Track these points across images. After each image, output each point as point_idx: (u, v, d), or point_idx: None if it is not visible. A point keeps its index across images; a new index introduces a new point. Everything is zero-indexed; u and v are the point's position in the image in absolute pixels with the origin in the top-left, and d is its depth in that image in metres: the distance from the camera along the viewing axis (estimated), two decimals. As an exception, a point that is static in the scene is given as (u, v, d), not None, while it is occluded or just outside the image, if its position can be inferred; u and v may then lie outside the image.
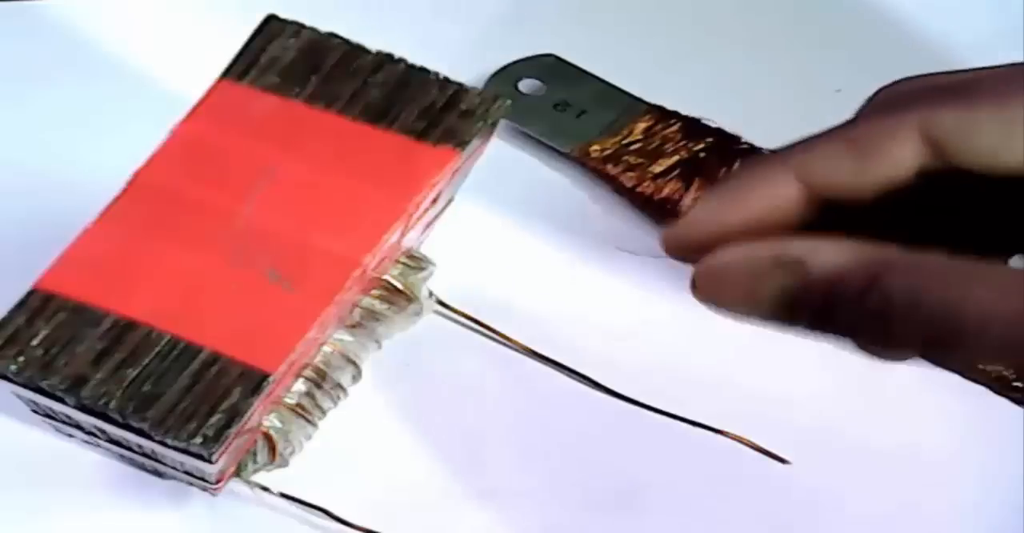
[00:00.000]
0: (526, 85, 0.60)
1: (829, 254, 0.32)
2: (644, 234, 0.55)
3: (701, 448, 0.50)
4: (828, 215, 0.35)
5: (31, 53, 0.60)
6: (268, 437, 0.45)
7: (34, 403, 0.43)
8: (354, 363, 0.47)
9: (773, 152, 0.35)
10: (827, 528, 0.49)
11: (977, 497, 0.49)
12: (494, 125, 0.45)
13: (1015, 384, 0.51)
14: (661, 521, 0.49)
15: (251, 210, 0.42)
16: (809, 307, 0.33)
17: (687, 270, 0.38)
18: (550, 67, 0.60)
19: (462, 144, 0.44)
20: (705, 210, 0.36)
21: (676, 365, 0.51)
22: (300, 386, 0.45)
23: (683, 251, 0.36)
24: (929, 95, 0.34)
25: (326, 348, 0.46)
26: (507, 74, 0.60)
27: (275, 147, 0.43)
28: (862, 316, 0.32)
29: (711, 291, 0.35)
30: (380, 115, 0.44)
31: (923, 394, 0.51)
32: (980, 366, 0.40)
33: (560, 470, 0.49)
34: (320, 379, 0.46)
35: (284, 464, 0.46)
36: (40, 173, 0.54)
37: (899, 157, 0.33)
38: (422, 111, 0.44)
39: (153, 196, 0.43)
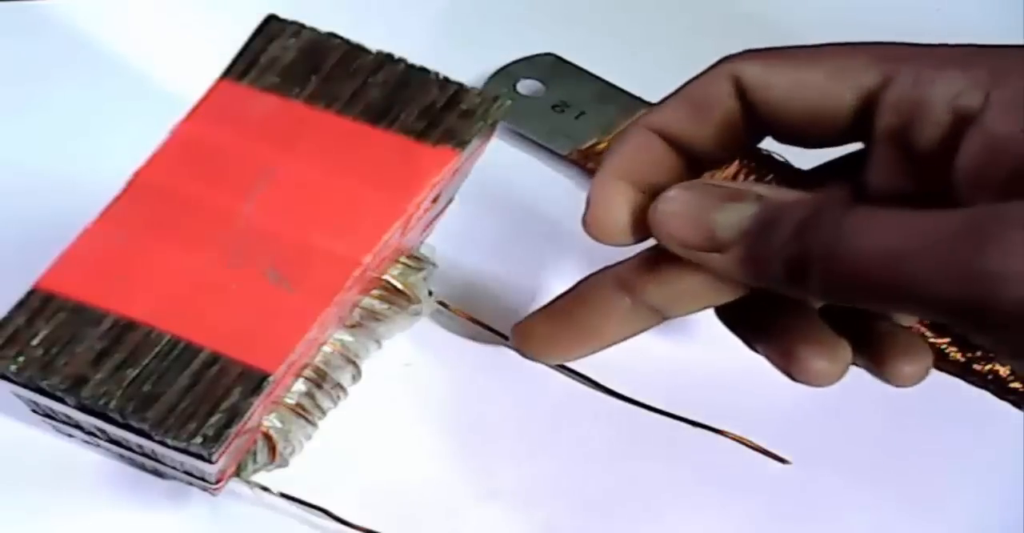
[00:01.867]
0: (525, 87, 0.60)
1: (781, 193, 0.38)
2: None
3: (701, 448, 0.50)
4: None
5: (31, 53, 0.59)
6: (268, 437, 0.45)
7: (34, 403, 0.43)
8: (354, 363, 0.47)
9: (629, 122, 0.44)
10: (827, 528, 0.49)
11: (977, 497, 0.49)
12: (494, 125, 0.45)
13: (1012, 385, 0.51)
14: (661, 521, 0.49)
15: (251, 210, 0.42)
16: (751, 227, 0.37)
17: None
18: (550, 67, 0.60)
19: (462, 144, 0.44)
20: (600, 187, 0.42)
21: (676, 365, 0.51)
22: (300, 386, 0.45)
23: (608, 233, 0.42)
24: (742, 55, 0.40)
25: (326, 348, 0.46)
26: (507, 74, 0.60)
27: (275, 147, 0.43)
28: (792, 238, 0.35)
29: (665, 223, 0.39)
30: (380, 115, 0.44)
31: (923, 394, 0.51)
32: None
33: (560, 470, 0.49)
34: (320, 379, 0.46)
35: (284, 464, 0.46)
36: (40, 173, 0.54)
37: (719, 99, 0.40)
38: (422, 111, 0.44)
39: (153, 196, 0.43)
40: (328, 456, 0.48)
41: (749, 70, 0.39)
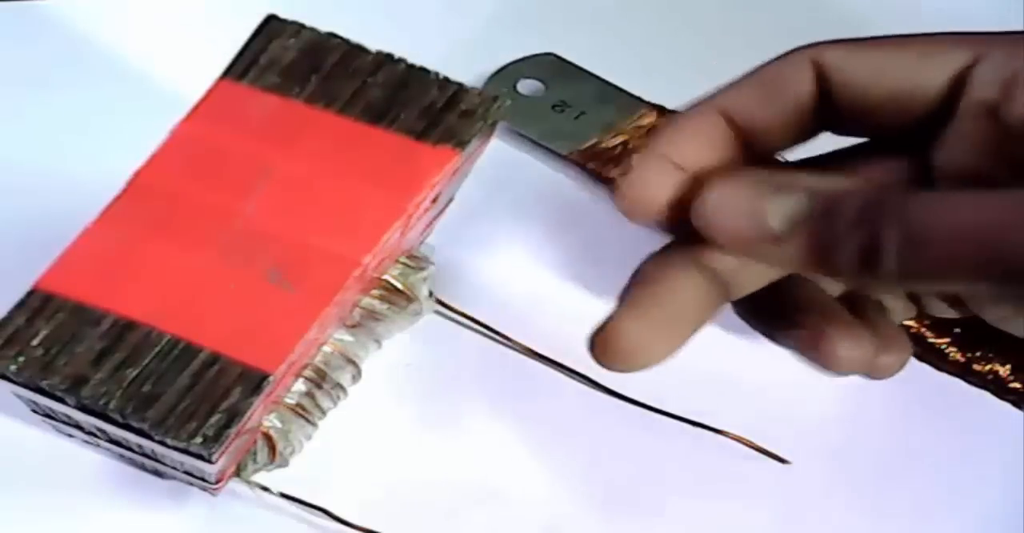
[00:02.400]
0: (525, 87, 0.60)
1: (832, 181, 0.36)
2: (644, 234, 0.54)
3: (701, 448, 0.50)
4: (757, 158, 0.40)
5: (31, 53, 0.60)
6: (268, 437, 0.45)
7: (34, 403, 0.43)
8: (354, 363, 0.47)
9: (701, 98, 0.40)
10: (827, 528, 0.49)
11: (977, 497, 0.49)
12: (494, 125, 0.45)
13: (1012, 385, 0.51)
14: (661, 521, 0.49)
15: (251, 210, 0.42)
16: (811, 218, 0.35)
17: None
18: (550, 67, 0.60)
19: (462, 144, 0.44)
20: (644, 163, 0.39)
21: (676, 365, 0.51)
22: (300, 386, 0.45)
23: (642, 211, 0.39)
24: (821, 43, 0.39)
25: (326, 348, 0.46)
26: (507, 74, 0.60)
27: (275, 147, 0.43)
28: (857, 226, 0.34)
29: (714, 216, 0.37)
30: (380, 115, 0.44)
31: (923, 394, 0.51)
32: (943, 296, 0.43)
33: (560, 470, 0.49)
34: (320, 379, 0.46)
35: (284, 464, 0.46)
36: (40, 173, 0.54)
37: (796, 83, 0.39)
38: (422, 111, 0.44)
39: (153, 196, 0.43)
40: (328, 456, 0.48)
41: (832, 54, 0.39)
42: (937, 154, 0.39)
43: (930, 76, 0.38)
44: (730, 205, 0.37)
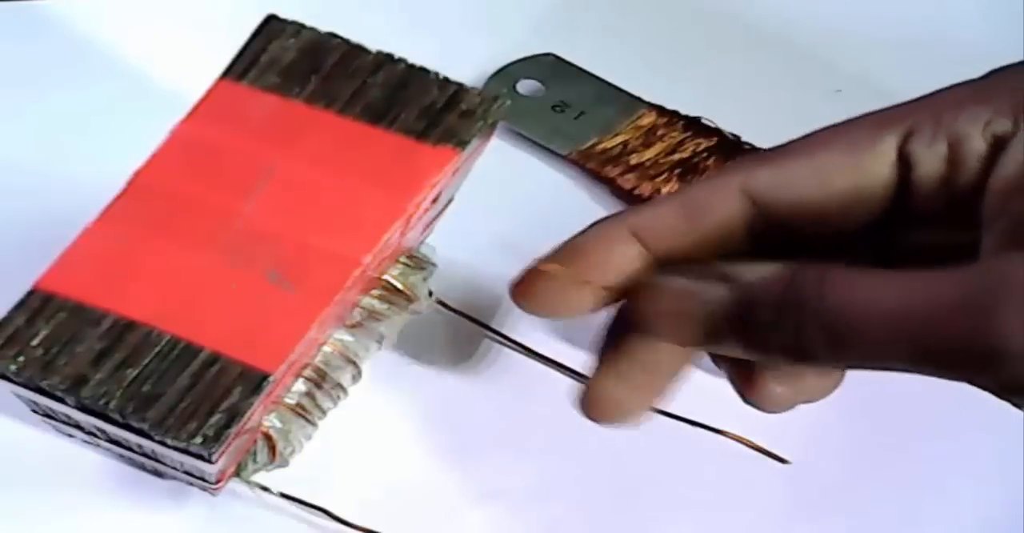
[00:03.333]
0: (525, 87, 0.60)
1: (753, 267, 0.36)
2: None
3: (701, 448, 0.50)
4: None
5: (31, 53, 0.60)
6: (268, 437, 0.45)
7: (34, 403, 0.43)
8: (354, 363, 0.47)
9: (612, 215, 0.40)
10: (827, 528, 0.49)
11: (977, 497, 0.49)
12: (494, 125, 0.45)
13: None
14: (661, 521, 0.49)
15: (251, 210, 0.42)
16: (735, 316, 0.35)
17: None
18: (549, 67, 0.60)
19: (462, 144, 0.44)
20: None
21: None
22: (300, 386, 0.45)
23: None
24: (749, 160, 0.38)
25: (326, 348, 0.46)
26: (506, 74, 0.60)
27: (275, 147, 0.43)
28: (779, 318, 0.34)
29: (647, 314, 0.38)
30: (380, 115, 0.44)
31: (923, 394, 0.51)
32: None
33: (559, 470, 0.49)
34: (320, 379, 0.46)
35: (284, 464, 0.46)
36: (40, 173, 0.54)
37: (724, 214, 0.38)
38: (422, 111, 0.44)
39: (153, 196, 0.43)
40: (328, 456, 0.48)
41: (761, 178, 0.37)
42: (896, 233, 0.38)
43: (871, 171, 0.37)
44: (665, 313, 0.37)
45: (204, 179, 0.43)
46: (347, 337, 0.47)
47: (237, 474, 0.46)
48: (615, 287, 0.39)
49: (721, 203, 0.38)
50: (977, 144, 0.35)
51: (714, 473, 0.49)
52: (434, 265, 0.49)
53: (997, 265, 0.32)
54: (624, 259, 0.39)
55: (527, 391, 0.51)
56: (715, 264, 0.37)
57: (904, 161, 0.36)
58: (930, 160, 0.36)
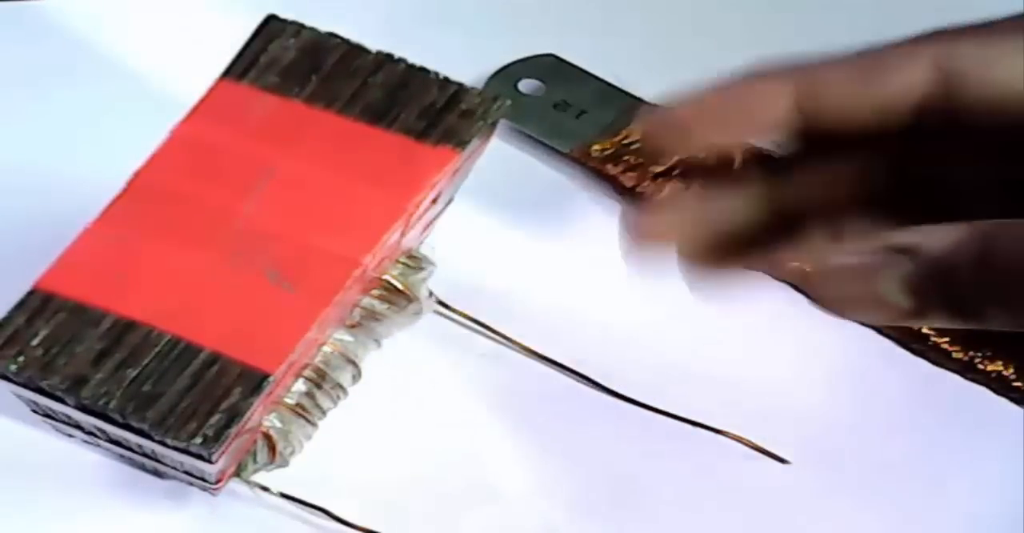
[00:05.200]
0: (526, 85, 0.60)
1: (937, 233, 0.32)
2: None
3: (701, 448, 0.50)
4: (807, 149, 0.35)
5: (30, 53, 0.59)
6: (268, 437, 0.45)
7: (34, 403, 0.43)
8: (354, 363, 0.47)
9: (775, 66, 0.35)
10: (827, 528, 0.49)
11: (977, 497, 0.49)
12: (494, 125, 0.45)
13: (1015, 384, 0.51)
14: (661, 521, 0.48)
15: (251, 210, 0.42)
16: (932, 288, 0.32)
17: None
18: (550, 67, 0.60)
19: (462, 144, 0.44)
20: (690, 108, 0.36)
21: (676, 365, 0.51)
22: (300, 386, 0.45)
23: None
24: (948, 32, 0.34)
25: (326, 348, 0.46)
26: (507, 74, 0.60)
27: (275, 147, 0.43)
28: (981, 285, 0.31)
29: (832, 301, 0.34)
30: (380, 115, 0.44)
31: (923, 394, 0.51)
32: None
33: (560, 470, 0.49)
34: (320, 379, 0.46)
35: (284, 464, 0.46)
36: (40, 173, 0.54)
37: (905, 82, 0.33)
38: (422, 111, 0.44)
39: (153, 196, 0.43)
40: (328, 456, 0.48)
41: (964, 57, 0.33)
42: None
43: None
44: (843, 286, 0.33)
45: (204, 179, 0.43)
46: (347, 337, 0.47)
47: (237, 474, 0.46)
48: (739, 145, 0.35)
49: (908, 72, 0.33)
50: None
51: (714, 473, 0.49)
52: (434, 265, 0.49)
53: None
54: (773, 109, 0.35)
55: (527, 391, 0.51)
56: (874, 237, 0.33)
57: None
58: None
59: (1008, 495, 0.49)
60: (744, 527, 0.49)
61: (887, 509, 0.49)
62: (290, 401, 0.45)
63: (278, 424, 0.45)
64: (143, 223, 0.42)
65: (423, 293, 0.49)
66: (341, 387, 0.47)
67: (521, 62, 0.60)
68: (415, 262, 0.48)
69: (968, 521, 0.49)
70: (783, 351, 0.51)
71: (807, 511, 0.49)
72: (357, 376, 0.48)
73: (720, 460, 0.50)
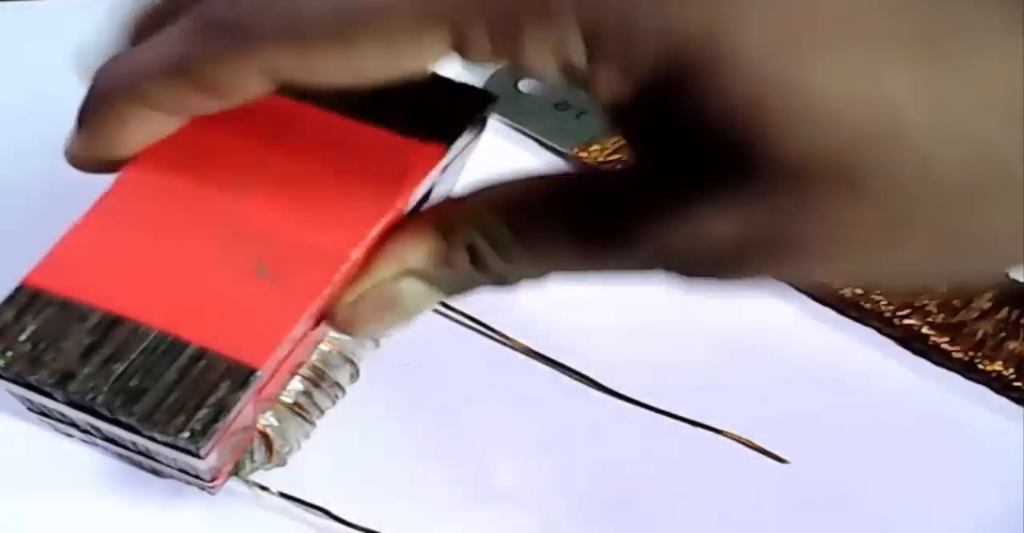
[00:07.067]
0: (526, 85, 0.60)
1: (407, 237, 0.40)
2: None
3: (701, 448, 0.50)
4: None
5: (30, 52, 0.60)
6: (265, 436, 0.45)
7: (28, 401, 0.44)
8: (352, 362, 0.47)
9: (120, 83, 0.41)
10: (827, 528, 0.49)
11: (977, 497, 0.49)
12: (484, 121, 0.45)
13: (1015, 384, 0.51)
14: (661, 521, 0.48)
15: (238, 206, 0.42)
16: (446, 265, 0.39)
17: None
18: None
19: (451, 139, 0.44)
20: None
21: (676, 365, 0.51)
22: (298, 385, 0.45)
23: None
24: (269, 35, 0.37)
25: (323, 347, 0.46)
26: (507, 74, 0.60)
27: (263, 143, 0.43)
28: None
29: (365, 323, 0.40)
30: (368, 110, 0.44)
31: (923, 394, 0.51)
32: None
33: (560, 470, 0.49)
34: (318, 378, 0.46)
35: (282, 463, 0.46)
36: (40, 173, 0.54)
37: (246, 93, 0.38)
38: (410, 106, 0.44)
39: (141, 192, 0.42)
40: (328, 456, 0.48)
41: (283, 63, 0.37)
42: None
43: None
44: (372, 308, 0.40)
45: (191, 175, 0.43)
46: (344, 336, 0.47)
47: (235, 473, 0.46)
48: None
49: (242, 84, 0.37)
50: None
51: (714, 473, 0.49)
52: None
53: None
54: (144, 131, 0.40)
55: (527, 391, 0.51)
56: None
57: None
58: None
59: (1008, 495, 0.49)
60: (744, 527, 0.48)
61: (887, 509, 0.49)
62: (287, 400, 0.45)
63: (275, 423, 0.45)
64: (131, 219, 0.42)
65: (421, 292, 0.48)
66: (339, 386, 0.47)
67: (522, 63, 0.60)
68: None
69: (968, 521, 0.48)
70: (783, 351, 0.51)
71: (807, 511, 0.49)
72: (355, 375, 0.48)
73: (720, 460, 0.49)
